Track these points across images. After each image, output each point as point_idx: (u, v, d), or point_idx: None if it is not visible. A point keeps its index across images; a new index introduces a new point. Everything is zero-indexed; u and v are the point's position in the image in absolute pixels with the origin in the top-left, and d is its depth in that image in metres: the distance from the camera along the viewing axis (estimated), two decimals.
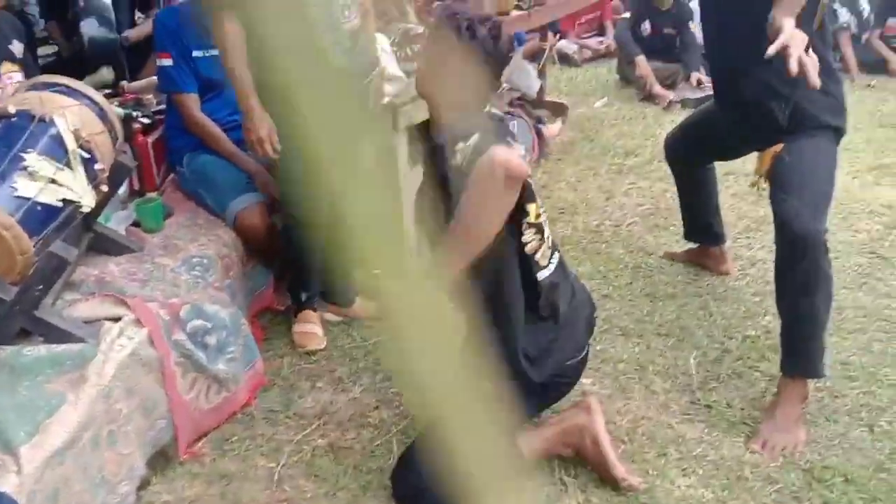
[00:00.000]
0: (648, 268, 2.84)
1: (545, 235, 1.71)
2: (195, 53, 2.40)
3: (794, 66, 1.62)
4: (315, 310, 2.47)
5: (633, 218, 3.26)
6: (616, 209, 3.37)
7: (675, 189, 3.13)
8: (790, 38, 1.65)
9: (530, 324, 1.70)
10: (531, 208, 1.64)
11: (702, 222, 2.72)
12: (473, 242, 1.56)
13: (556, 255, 1.77)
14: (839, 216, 3.15)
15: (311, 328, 2.41)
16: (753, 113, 2.12)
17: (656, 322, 2.48)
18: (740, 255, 2.87)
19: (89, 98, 1.95)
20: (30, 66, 2.77)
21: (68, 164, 1.80)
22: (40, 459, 1.42)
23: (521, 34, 3.25)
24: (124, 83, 2.99)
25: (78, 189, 1.81)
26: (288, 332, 2.46)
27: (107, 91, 2.88)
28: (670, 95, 4.77)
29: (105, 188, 1.96)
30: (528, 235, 1.66)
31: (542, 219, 1.70)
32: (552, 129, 4.23)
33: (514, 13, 3.55)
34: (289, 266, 2.46)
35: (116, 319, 1.81)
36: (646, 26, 5.10)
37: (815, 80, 1.67)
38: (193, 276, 2.07)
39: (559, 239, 3.05)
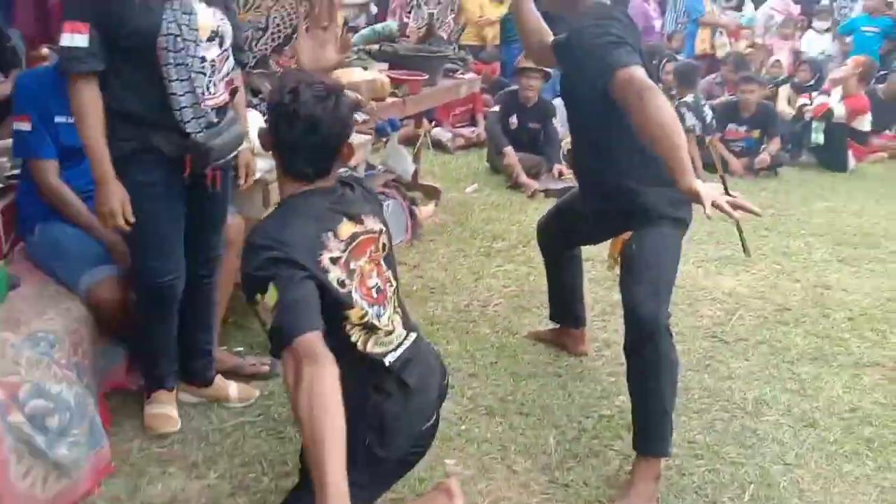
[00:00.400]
0: (512, 347, 2.93)
1: (380, 325, 1.66)
2: (57, 119, 2.30)
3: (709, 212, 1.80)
4: (170, 389, 2.35)
5: (500, 299, 3.37)
6: (484, 290, 3.48)
7: (538, 272, 3.31)
8: (709, 197, 1.82)
9: (376, 401, 1.65)
10: (351, 314, 1.60)
11: (566, 304, 2.87)
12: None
13: (407, 335, 1.74)
14: (685, 303, 3.41)
15: (164, 409, 2.29)
16: (606, 203, 2.31)
17: (518, 401, 2.55)
18: (596, 337, 3.03)
19: None
20: None
21: None
22: None
23: (395, 120, 3.36)
24: None
25: None
26: (140, 413, 2.32)
27: None
28: (535, 185, 5.05)
29: None
30: (356, 335, 1.63)
31: (369, 315, 1.62)
32: (425, 211, 4.35)
33: (390, 100, 3.67)
34: (142, 342, 2.34)
35: None
36: (513, 120, 5.42)
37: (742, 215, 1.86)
38: (37, 352, 1.92)
39: (429, 317, 3.12)
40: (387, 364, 1.65)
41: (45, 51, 3.29)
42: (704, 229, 4.46)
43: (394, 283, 1.75)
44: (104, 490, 1.99)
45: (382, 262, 1.72)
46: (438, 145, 6.06)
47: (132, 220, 2.02)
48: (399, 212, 4.00)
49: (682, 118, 5.75)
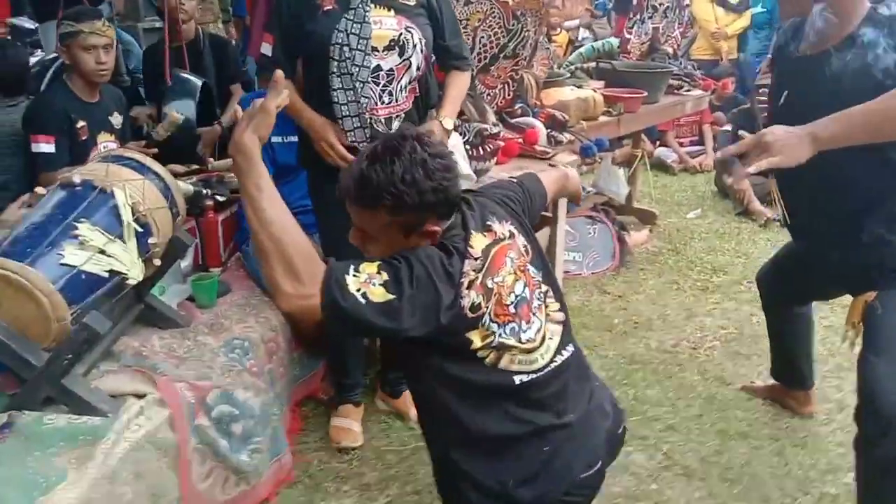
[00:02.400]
0: (723, 400, 2.59)
1: (519, 343, 1.42)
2: (273, 139, 2.45)
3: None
4: (357, 404, 2.38)
5: (713, 342, 3.02)
6: (696, 329, 3.14)
7: (762, 314, 2.89)
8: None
9: (518, 433, 1.44)
10: (473, 336, 1.37)
11: (790, 363, 2.46)
12: None
13: (555, 356, 1.47)
14: None
15: (349, 423, 2.32)
16: (842, 253, 1.88)
17: (723, 464, 2.23)
18: (828, 397, 2.58)
19: (155, 173, 1.98)
20: (126, 138, 2.92)
21: (121, 237, 1.82)
22: None
23: (603, 140, 3.16)
24: (211, 160, 3.10)
25: (126, 261, 1.82)
26: (327, 425, 2.37)
27: (194, 167, 2.99)
28: (768, 213, 4.52)
29: (158, 262, 1.97)
30: (483, 353, 1.39)
31: (496, 336, 1.39)
32: (637, 237, 4.08)
33: (603, 119, 3.48)
34: (334, 354, 2.39)
35: (142, 396, 1.78)
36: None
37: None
38: (231, 358, 2.02)
39: (629, 356, 2.87)
40: (518, 382, 1.42)
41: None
42: None
43: (545, 288, 1.51)
44: (280, 499, 2.04)
45: (530, 268, 1.49)
46: (662, 166, 5.71)
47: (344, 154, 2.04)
48: (606, 237, 3.78)
49: None
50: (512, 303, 1.41)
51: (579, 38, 6.75)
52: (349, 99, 1.98)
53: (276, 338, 2.27)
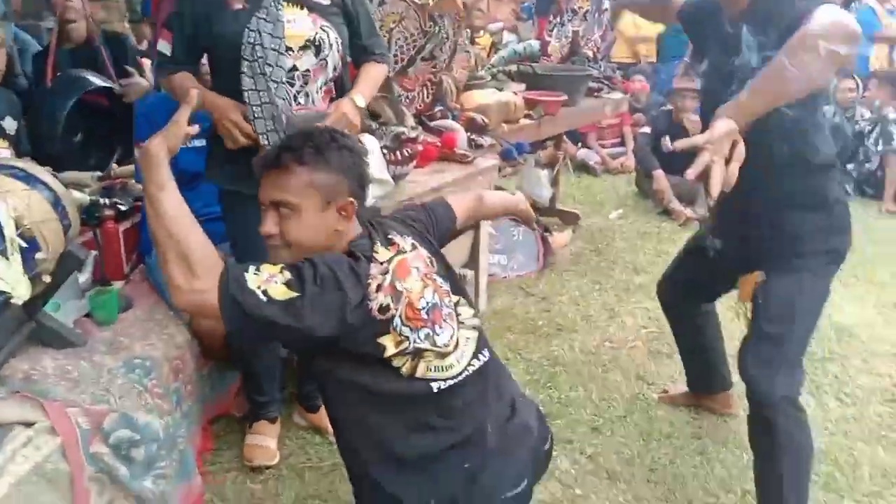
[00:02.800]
0: (646, 400, 2.60)
1: (433, 346, 1.40)
2: None
3: (691, 174, 1.41)
4: (273, 420, 2.27)
5: (635, 342, 3.04)
6: (618, 330, 3.16)
7: None
8: (710, 140, 1.41)
9: (432, 458, 1.39)
10: (386, 342, 1.35)
11: (708, 369, 2.47)
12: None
13: (471, 360, 1.45)
14: (859, 357, 2.92)
15: (263, 441, 2.22)
16: (741, 227, 1.93)
17: (647, 465, 2.23)
18: (742, 393, 2.62)
19: (44, 184, 1.84)
20: (22, 144, 2.72)
21: (3, 253, 1.67)
22: None
23: (524, 144, 3.15)
24: (115, 166, 2.93)
25: (10, 279, 1.67)
26: (241, 443, 2.26)
27: (98, 174, 2.82)
28: (687, 212, 4.62)
29: (47, 278, 1.83)
30: (398, 362, 1.37)
31: (410, 341, 1.37)
32: (560, 238, 4.09)
33: (524, 122, 3.47)
34: (246, 370, 2.28)
35: (31, 425, 1.64)
36: (666, 142, 5.01)
37: (714, 190, 1.42)
38: (130, 379, 1.89)
39: (552, 358, 2.86)
40: (436, 390, 1.39)
41: None
42: (888, 270, 3.86)
43: (455, 298, 1.49)
44: None
45: (437, 277, 1.47)
46: (585, 167, 5.77)
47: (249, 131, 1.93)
48: (530, 239, 3.77)
49: (890, 135, 5.10)
50: (423, 308, 1.39)
51: (503, 41, 6.77)
52: (262, 100, 1.89)
53: (182, 355, 2.14)
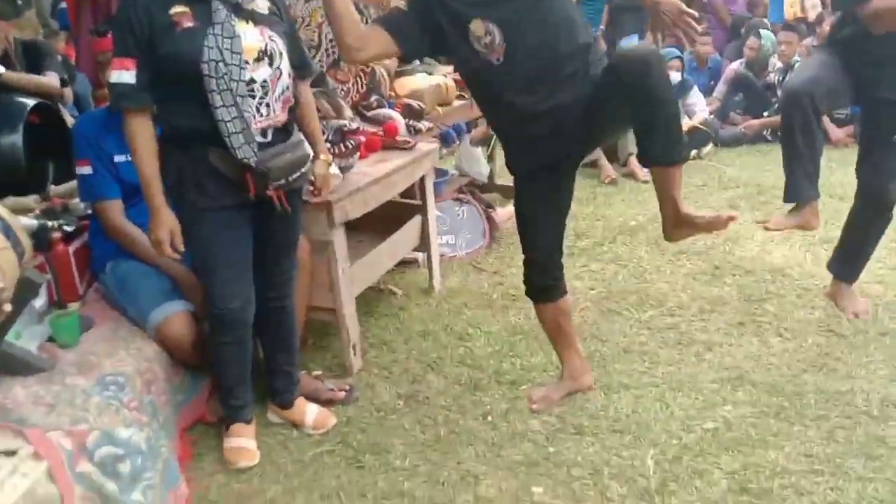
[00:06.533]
0: (602, 357, 2.73)
1: None
2: (117, 158, 2.31)
3: None
4: (249, 421, 2.31)
5: (586, 303, 3.17)
6: (568, 294, 3.27)
7: (627, 270, 3.12)
8: None
9: None
10: None
11: (809, 180, 2.75)
12: None
13: None
14: (794, 294, 3.12)
15: (243, 443, 2.25)
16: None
17: (612, 417, 2.36)
18: (695, 339, 2.79)
19: None
20: None
21: None
22: None
23: (461, 125, 3.23)
24: (52, 187, 2.88)
25: None
26: (220, 447, 2.29)
27: (35, 196, 2.77)
28: (612, 173, 4.83)
29: (8, 307, 1.82)
30: None
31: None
32: (503, 213, 4.18)
33: (457, 103, 3.55)
34: (218, 373, 2.30)
35: (13, 453, 1.64)
36: None
37: None
38: (106, 397, 1.90)
39: (511, 328, 2.96)
40: None
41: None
42: None
43: None
44: None
45: None
46: None
47: (181, 248, 2.01)
48: (475, 216, 3.86)
49: None
50: None
51: None
52: (233, 115, 1.91)
53: (151, 367, 2.16)
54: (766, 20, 7.26)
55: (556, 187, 2.29)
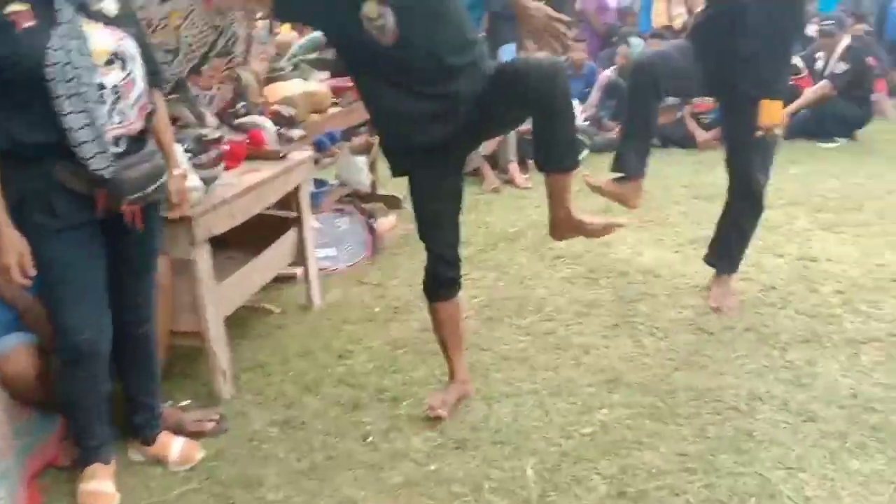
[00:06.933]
0: (484, 366, 2.71)
1: None
2: None
3: None
4: (108, 462, 2.12)
5: (468, 311, 3.14)
6: None
7: (508, 277, 3.14)
8: None
9: None
10: None
11: (639, 156, 2.82)
12: None
13: None
14: (664, 293, 3.22)
15: (100, 486, 2.06)
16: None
17: (492, 428, 2.34)
18: (572, 343, 2.82)
19: None
20: None
21: None
22: None
23: (335, 132, 3.14)
24: None
25: None
26: (75, 492, 2.09)
27: None
28: (496, 182, 4.88)
29: None
30: None
31: None
32: (386, 223, 4.12)
33: (333, 110, 3.45)
34: (70, 412, 2.11)
35: None
36: None
37: None
38: None
39: (392, 341, 2.90)
40: None
41: None
42: (678, 209, 4.28)
43: None
44: None
45: None
46: None
47: (32, 273, 1.82)
48: (357, 228, 3.78)
49: None
50: None
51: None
52: (84, 122, 1.74)
53: None
54: (636, 28, 7.58)
55: (448, 172, 2.27)
